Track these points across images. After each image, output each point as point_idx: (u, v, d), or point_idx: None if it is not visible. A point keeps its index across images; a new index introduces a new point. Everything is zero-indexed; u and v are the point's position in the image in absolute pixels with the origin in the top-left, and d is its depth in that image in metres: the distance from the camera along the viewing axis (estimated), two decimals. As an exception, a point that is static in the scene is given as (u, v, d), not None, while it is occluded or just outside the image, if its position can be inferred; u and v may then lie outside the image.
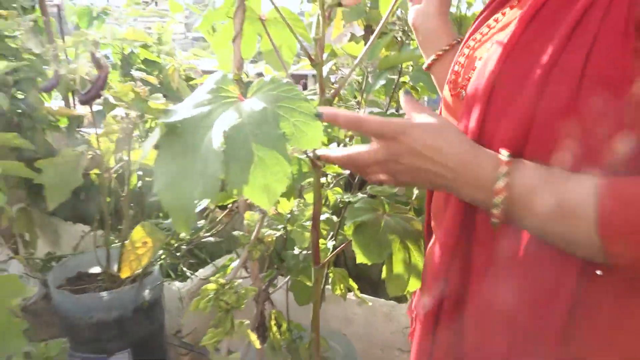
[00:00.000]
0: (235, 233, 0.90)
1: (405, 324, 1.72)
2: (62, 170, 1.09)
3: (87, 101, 1.19)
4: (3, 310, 0.94)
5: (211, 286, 0.83)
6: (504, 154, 0.56)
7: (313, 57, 0.76)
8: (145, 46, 1.76)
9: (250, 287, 0.87)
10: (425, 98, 1.73)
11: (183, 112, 0.67)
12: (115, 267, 1.40)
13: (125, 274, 1.10)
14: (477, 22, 0.77)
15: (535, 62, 0.58)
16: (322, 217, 1.17)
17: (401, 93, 0.68)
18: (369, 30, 1.65)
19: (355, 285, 1.12)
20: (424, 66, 0.83)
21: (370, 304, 1.54)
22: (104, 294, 1.28)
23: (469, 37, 0.76)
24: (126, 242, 1.06)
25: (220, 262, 1.96)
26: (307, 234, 1.11)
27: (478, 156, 0.57)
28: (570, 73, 0.55)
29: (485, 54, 0.66)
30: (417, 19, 0.82)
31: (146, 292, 1.34)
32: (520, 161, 0.56)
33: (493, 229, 0.58)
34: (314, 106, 0.64)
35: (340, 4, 0.72)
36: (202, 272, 1.89)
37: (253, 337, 0.90)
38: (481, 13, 0.78)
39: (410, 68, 1.42)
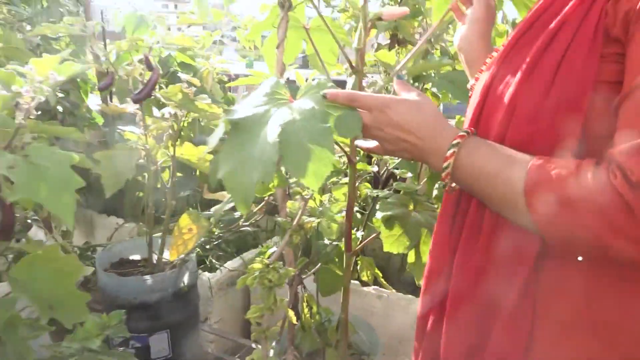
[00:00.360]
0: (279, 219, 1.01)
1: (422, 318, 1.82)
2: (118, 162, 1.21)
3: (139, 100, 1.31)
4: (70, 284, 1.05)
5: (257, 266, 0.94)
6: (463, 131, 0.67)
7: (354, 64, 0.87)
8: (183, 49, 1.88)
9: (289, 268, 0.97)
10: (441, 106, 1.82)
11: (244, 111, 0.77)
12: (154, 255, 1.51)
13: (173, 256, 1.21)
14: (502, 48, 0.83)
15: (521, 64, 0.66)
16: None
17: (394, 78, 0.78)
18: (394, 39, 1.76)
19: (380, 273, 1.22)
20: (468, 85, 0.90)
21: (392, 290, 1.63)
22: (147, 277, 1.40)
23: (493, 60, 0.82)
24: (169, 230, 1.18)
25: (246, 255, 2.07)
26: (335, 226, 1.22)
27: (444, 130, 0.68)
28: (545, 70, 0.64)
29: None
30: (461, 43, 0.89)
31: (185, 278, 1.45)
32: (473, 136, 0.67)
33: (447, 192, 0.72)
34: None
35: (380, 19, 0.83)
36: (230, 264, 2.00)
37: (291, 313, 1.00)
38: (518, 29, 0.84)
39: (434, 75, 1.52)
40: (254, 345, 1.75)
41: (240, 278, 0.96)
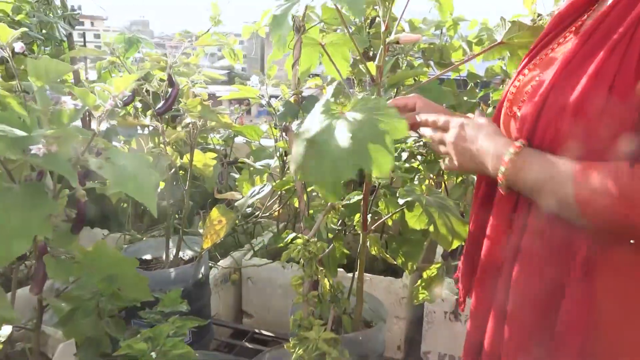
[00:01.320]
0: (315, 203, 1.23)
1: (402, 295, 2.08)
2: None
3: (162, 113, 1.48)
4: (131, 270, 1.22)
5: (299, 241, 1.15)
6: (519, 142, 0.78)
7: (375, 78, 1.11)
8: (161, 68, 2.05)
9: (324, 242, 1.20)
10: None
11: (314, 129, 0.98)
12: (170, 254, 1.68)
13: (206, 244, 1.39)
14: (529, 55, 0.94)
15: (574, 88, 0.73)
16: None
17: (477, 111, 0.94)
18: (366, 54, 2.02)
19: (384, 252, 1.47)
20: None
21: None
22: (171, 270, 1.56)
23: (524, 66, 0.92)
24: (185, 230, 1.36)
25: (235, 254, 2.25)
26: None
27: (503, 142, 0.81)
28: (595, 102, 0.71)
29: (537, 79, 0.83)
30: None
31: (202, 270, 1.62)
32: (527, 148, 0.77)
33: (501, 190, 0.81)
34: (395, 112, 0.99)
35: (398, 42, 1.08)
36: (222, 262, 2.18)
37: (324, 280, 1.22)
38: (533, 48, 0.95)
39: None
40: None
41: (284, 253, 1.17)
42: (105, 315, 0.99)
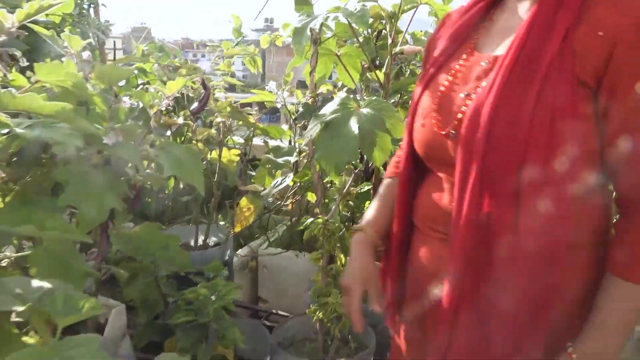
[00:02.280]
0: (331, 190, 1.44)
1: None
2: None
3: (195, 113, 1.70)
4: (175, 246, 1.42)
5: (319, 220, 1.36)
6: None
7: (382, 84, 1.33)
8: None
9: (339, 223, 1.41)
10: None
11: (330, 116, 1.20)
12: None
13: (238, 228, 1.59)
14: (431, 71, 0.97)
15: (519, 108, 0.79)
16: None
17: None
18: (373, 63, 2.24)
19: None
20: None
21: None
22: (201, 252, 1.77)
23: (431, 78, 0.97)
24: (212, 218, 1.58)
25: (253, 243, 2.46)
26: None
27: None
28: (542, 126, 0.78)
29: (469, 102, 0.87)
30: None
31: (228, 252, 1.83)
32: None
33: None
34: (399, 115, 1.21)
35: (402, 53, 1.29)
36: (241, 251, 2.39)
37: (340, 254, 1.44)
38: (433, 63, 0.98)
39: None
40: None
41: (306, 231, 1.38)
42: (162, 278, 1.20)
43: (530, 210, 0.82)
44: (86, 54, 1.35)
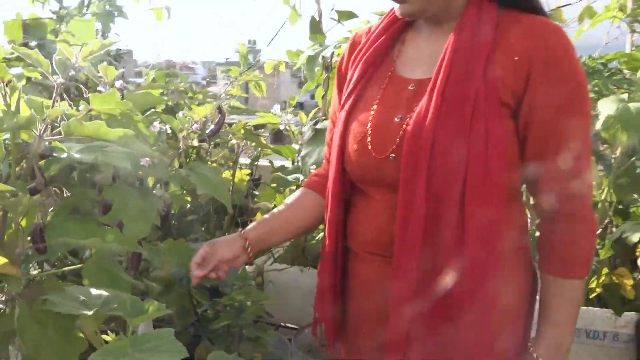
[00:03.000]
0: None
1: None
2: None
3: (212, 135, 1.81)
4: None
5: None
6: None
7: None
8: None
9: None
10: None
11: (321, 125, 1.32)
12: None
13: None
14: (353, 96, 1.00)
15: (456, 129, 0.85)
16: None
17: None
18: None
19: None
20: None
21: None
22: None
23: (352, 107, 0.99)
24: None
25: (258, 260, 2.56)
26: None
27: None
28: (479, 143, 0.85)
29: (406, 125, 0.90)
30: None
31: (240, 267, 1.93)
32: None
33: None
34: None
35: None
36: (248, 267, 2.48)
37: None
38: (354, 88, 1.01)
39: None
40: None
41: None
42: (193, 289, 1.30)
43: (474, 224, 0.86)
44: (119, 83, 1.46)
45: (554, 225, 0.94)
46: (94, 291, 0.95)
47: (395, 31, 1.02)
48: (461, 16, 0.92)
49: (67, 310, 0.88)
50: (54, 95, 1.00)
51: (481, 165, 0.86)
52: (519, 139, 0.91)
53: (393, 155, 0.92)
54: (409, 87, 0.94)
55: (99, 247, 0.98)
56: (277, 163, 2.32)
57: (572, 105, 0.89)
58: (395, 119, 0.93)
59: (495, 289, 0.88)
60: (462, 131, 0.86)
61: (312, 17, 1.59)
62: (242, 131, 1.78)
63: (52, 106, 0.99)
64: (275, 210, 1.19)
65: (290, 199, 1.18)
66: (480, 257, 0.87)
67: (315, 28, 1.57)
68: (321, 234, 1.56)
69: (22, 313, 0.86)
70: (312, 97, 2.04)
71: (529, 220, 1.03)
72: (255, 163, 2.49)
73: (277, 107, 2.37)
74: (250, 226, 1.12)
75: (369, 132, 0.95)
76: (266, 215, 1.16)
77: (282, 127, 2.42)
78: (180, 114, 1.41)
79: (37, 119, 0.90)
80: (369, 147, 0.95)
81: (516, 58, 0.87)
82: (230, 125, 2.87)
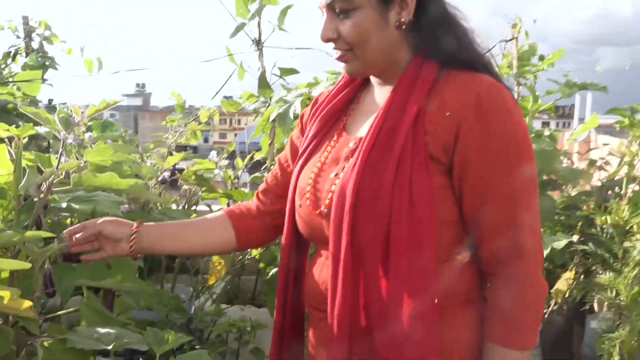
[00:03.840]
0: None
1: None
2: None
3: (166, 182, 1.90)
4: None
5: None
6: None
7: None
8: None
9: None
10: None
11: None
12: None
13: (212, 280, 1.78)
14: (306, 153, 1.02)
15: (380, 184, 0.85)
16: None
17: None
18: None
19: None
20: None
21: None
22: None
23: (304, 164, 1.01)
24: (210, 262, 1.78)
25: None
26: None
27: None
28: (402, 198, 0.84)
29: (337, 181, 0.92)
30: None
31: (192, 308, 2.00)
32: None
33: None
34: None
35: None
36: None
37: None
38: (307, 146, 1.03)
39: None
40: None
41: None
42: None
43: (399, 279, 0.85)
44: (88, 135, 1.54)
45: (497, 289, 0.90)
46: (101, 330, 1.03)
47: (352, 90, 1.05)
48: (400, 75, 0.93)
49: (89, 346, 0.96)
50: (61, 149, 1.07)
51: (405, 220, 0.85)
52: (455, 195, 0.90)
53: (326, 210, 0.94)
54: (350, 145, 0.96)
55: (112, 286, 1.06)
56: (216, 207, 2.42)
57: (507, 162, 0.87)
58: (331, 175, 0.95)
59: (432, 348, 0.86)
60: (385, 187, 0.86)
61: (262, 74, 1.77)
62: (193, 177, 1.89)
63: (59, 160, 1.07)
64: (184, 220, 1.22)
65: (204, 217, 1.19)
66: (411, 314, 0.85)
67: (264, 84, 1.76)
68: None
69: (44, 354, 0.91)
70: (206, 140, 2.18)
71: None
72: (194, 207, 2.57)
73: (213, 154, 2.49)
74: (150, 223, 1.09)
75: (309, 188, 0.98)
76: (173, 222, 1.18)
77: (215, 172, 2.54)
78: (148, 162, 1.51)
79: (56, 173, 0.98)
80: (308, 203, 0.97)
81: (447, 113, 0.87)
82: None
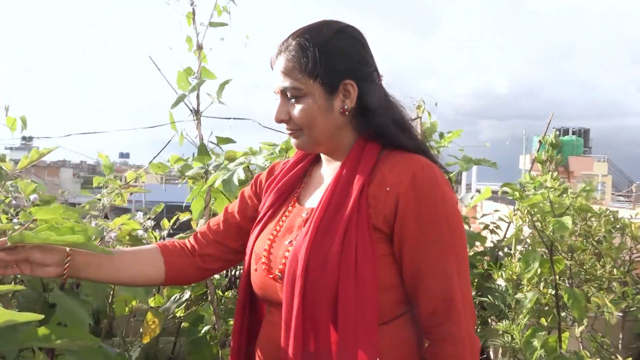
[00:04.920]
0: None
1: None
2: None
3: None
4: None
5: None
6: None
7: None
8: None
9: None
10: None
11: None
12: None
13: (146, 340, 1.79)
14: (262, 221, 1.10)
15: (328, 251, 0.92)
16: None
17: None
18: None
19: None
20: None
21: None
22: None
23: (260, 232, 1.09)
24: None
25: None
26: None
27: None
28: (348, 264, 0.91)
29: (291, 248, 0.98)
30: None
31: None
32: None
33: None
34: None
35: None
36: None
37: None
38: (264, 215, 1.11)
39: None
40: None
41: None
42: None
43: (346, 338, 0.91)
44: (33, 197, 1.56)
45: (434, 348, 0.96)
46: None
47: (305, 165, 1.15)
48: (346, 155, 1.03)
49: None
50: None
51: (351, 284, 0.91)
52: (396, 261, 0.98)
53: (280, 274, 1.00)
54: (303, 215, 1.05)
55: (64, 346, 1.06)
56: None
57: (440, 233, 0.95)
58: (286, 243, 1.03)
59: None
60: (334, 253, 0.92)
61: (202, 143, 1.90)
62: (127, 237, 1.93)
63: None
64: (116, 250, 1.23)
65: (137, 248, 1.23)
66: None
67: (203, 151, 1.89)
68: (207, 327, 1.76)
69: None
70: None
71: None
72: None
73: (140, 214, 2.52)
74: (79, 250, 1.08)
75: (264, 254, 1.05)
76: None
77: (140, 232, 2.56)
78: (93, 223, 1.56)
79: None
80: (263, 267, 1.04)
81: (387, 189, 0.96)
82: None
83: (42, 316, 0.80)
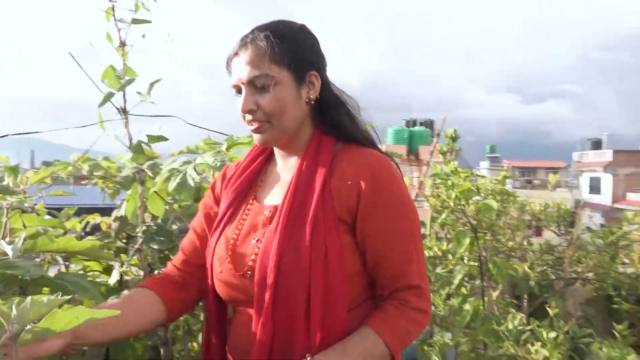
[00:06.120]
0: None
1: None
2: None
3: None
4: None
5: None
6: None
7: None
8: None
9: None
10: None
11: None
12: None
13: None
14: (222, 223, 1.09)
15: (299, 245, 0.95)
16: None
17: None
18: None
19: None
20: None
21: None
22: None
23: (222, 230, 1.08)
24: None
25: None
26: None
27: None
28: (319, 256, 0.94)
29: (260, 245, 1.00)
30: None
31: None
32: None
33: None
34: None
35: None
36: None
37: None
38: (223, 215, 1.09)
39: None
40: None
41: None
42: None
43: (317, 326, 0.94)
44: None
45: (391, 303, 1.02)
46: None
47: (261, 164, 1.15)
48: (304, 151, 1.05)
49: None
50: (5, 218, 1.06)
51: (321, 275, 0.94)
52: (360, 250, 1.02)
53: (249, 272, 1.01)
54: (265, 213, 1.05)
55: None
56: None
57: (397, 219, 1.01)
58: (253, 241, 1.03)
59: None
60: (304, 248, 0.95)
61: (138, 142, 1.85)
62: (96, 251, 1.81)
63: (4, 229, 1.05)
64: (111, 303, 1.11)
65: (127, 296, 1.11)
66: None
67: (138, 150, 1.84)
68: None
69: None
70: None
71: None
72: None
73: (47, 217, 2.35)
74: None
75: (229, 255, 1.04)
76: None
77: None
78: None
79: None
80: (230, 267, 1.03)
81: (349, 182, 1.00)
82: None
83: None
